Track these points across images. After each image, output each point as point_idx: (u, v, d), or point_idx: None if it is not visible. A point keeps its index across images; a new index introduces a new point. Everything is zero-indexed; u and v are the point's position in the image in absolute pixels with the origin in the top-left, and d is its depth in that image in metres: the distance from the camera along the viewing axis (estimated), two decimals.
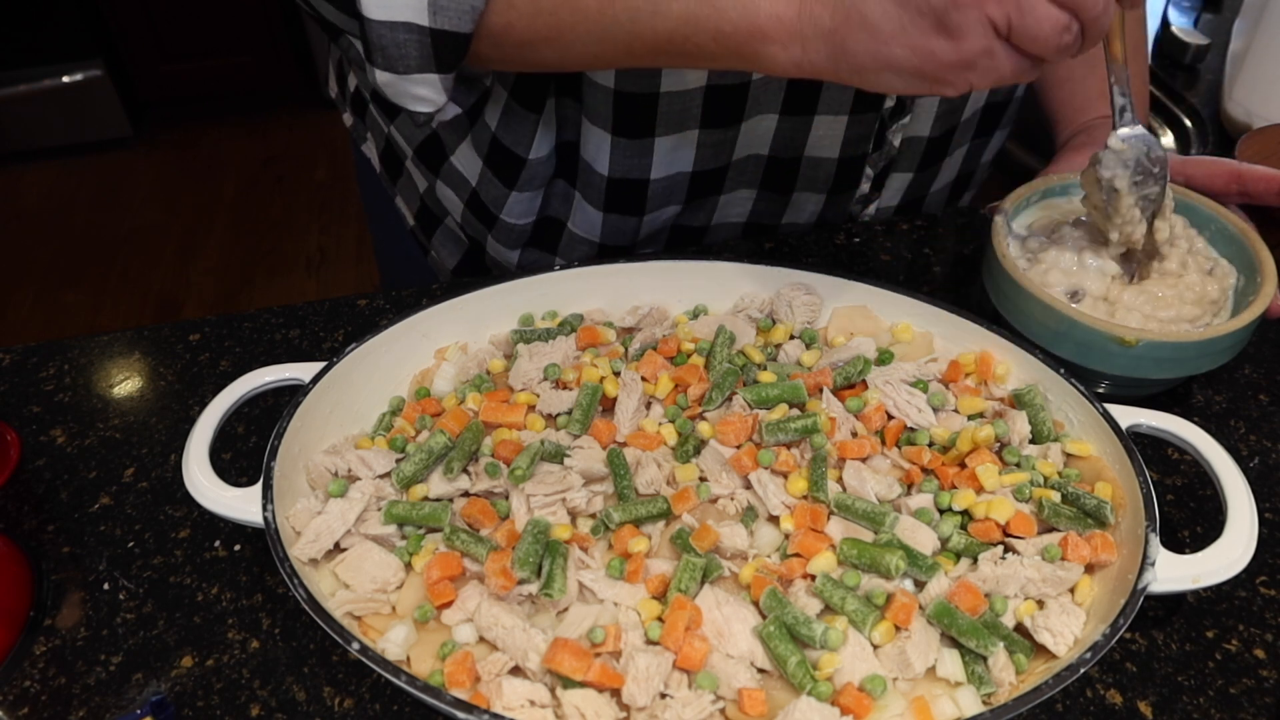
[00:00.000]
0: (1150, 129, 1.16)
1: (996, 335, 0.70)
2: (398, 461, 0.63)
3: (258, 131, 3.21)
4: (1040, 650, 0.55)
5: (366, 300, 0.84)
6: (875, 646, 0.54)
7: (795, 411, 0.66)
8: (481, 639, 0.55)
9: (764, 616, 0.55)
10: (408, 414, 0.69)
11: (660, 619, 0.55)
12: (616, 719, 0.51)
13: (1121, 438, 0.61)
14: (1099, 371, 0.70)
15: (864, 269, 0.88)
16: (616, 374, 0.69)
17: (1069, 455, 0.64)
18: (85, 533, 0.67)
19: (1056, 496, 0.60)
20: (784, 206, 0.91)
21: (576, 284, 0.76)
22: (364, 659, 0.51)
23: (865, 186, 0.91)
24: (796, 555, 0.58)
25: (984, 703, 0.53)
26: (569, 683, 0.52)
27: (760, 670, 0.54)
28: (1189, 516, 0.68)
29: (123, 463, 0.71)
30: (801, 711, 0.50)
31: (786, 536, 0.60)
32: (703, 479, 0.63)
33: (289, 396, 0.64)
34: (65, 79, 2.89)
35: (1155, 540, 0.56)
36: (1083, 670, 0.51)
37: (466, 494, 0.63)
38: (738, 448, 0.63)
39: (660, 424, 0.67)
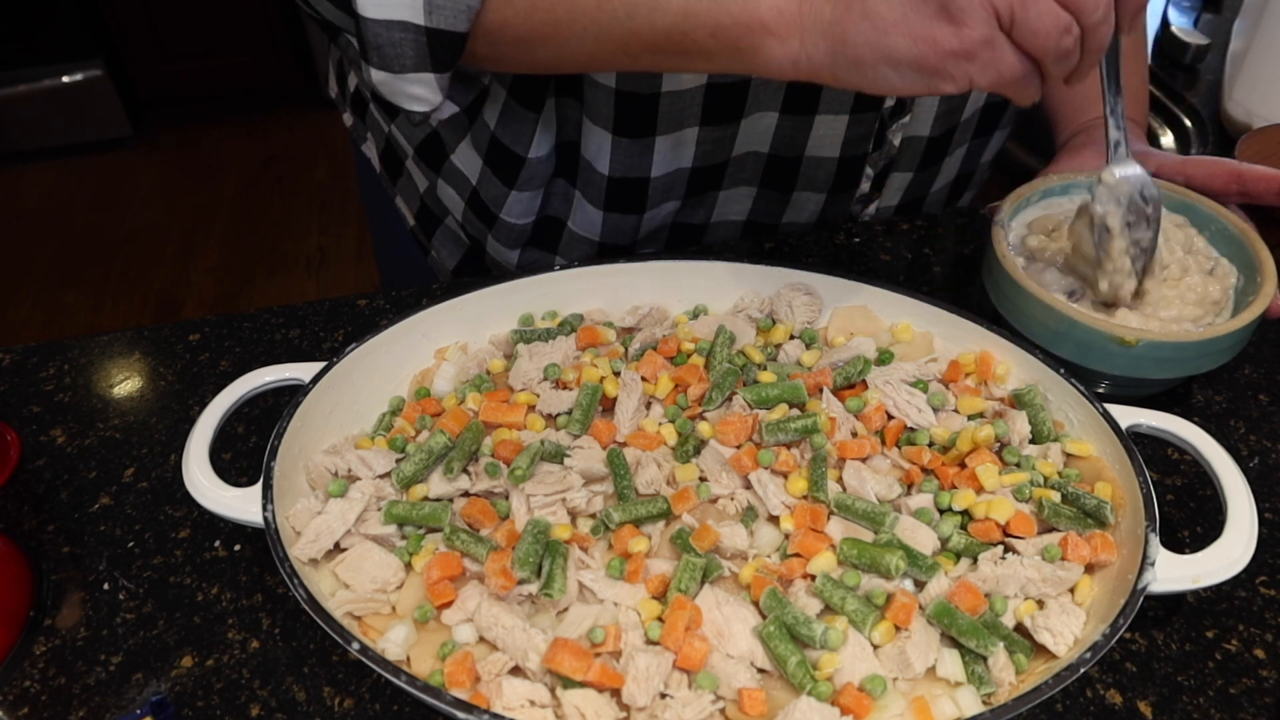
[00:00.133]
0: (1150, 130, 1.16)
1: (996, 335, 0.70)
2: (398, 461, 0.63)
3: (258, 131, 3.21)
4: (1040, 650, 0.55)
5: (366, 300, 0.84)
6: (875, 646, 0.54)
7: (795, 411, 0.66)
8: (481, 639, 0.55)
9: (764, 616, 0.55)
10: (408, 414, 0.69)
11: (660, 619, 0.55)
12: (616, 719, 0.51)
13: (1121, 438, 0.61)
14: (1099, 371, 0.70)
15: (864, 269, 0.88)
16: (616, 374, 0.69)
17: (1069, 455, 0.64)
18: (85, 533, 0.67)
19: (1056, 496, 0.60)
20: (784, 206, 0.91)
21: (576, 284, 0.76)
22: (364, 659, 0.51)
23: (865, 186, 0.91)
24: (796, 555, 0.58)
25: (984, 703, 0.53)
26: (569, 683, 0.52)
27: (760, 670, 0.54)
28: (1189, 516, 0.68)
29: (123, 463, 0.71)
30: (801, 711, 0.50)
31: (786, 536, 0.60)
32: (703, 479, 0.63)
33: (289, 396, 0.64)
34: (65, 79, 2.89)
35: (1155, 540, 0.56)
36: (1083, 670, 0.51)
37: (466, 494, 0.63)
38: (738, 448, 0.63)
39: (660, 424, 0.67)
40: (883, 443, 0.65)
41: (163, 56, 3.05)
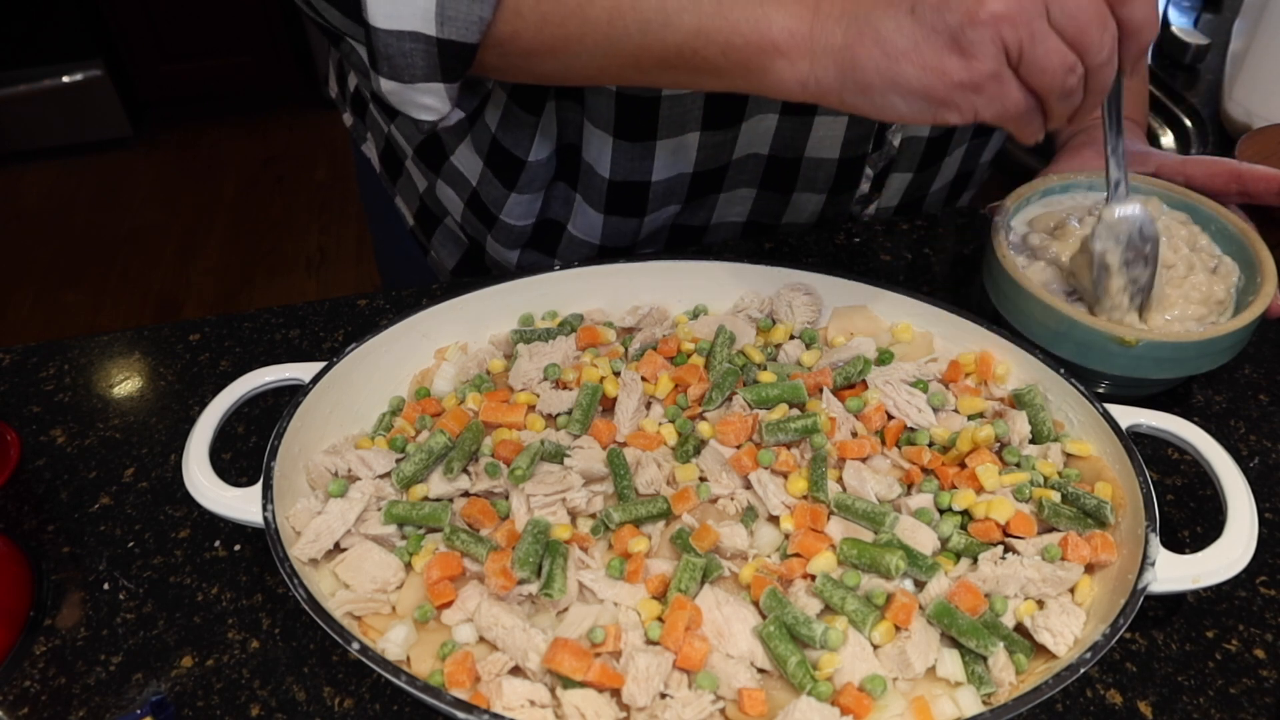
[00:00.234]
0: (1150, 130, 1.16)
1: (996, 335, 0.70)
2: (398, 461, 0.63)
3: (258, 131, 3.21)
4: (1040, 650, 0.55)
5: (366, 300, 0.84)
6: (875, 646, 0.54)
7: (795, 411, 0.66)
8: (481, 639, 0.55)
9: (764, 616, 0.55)
10: (408, 414, 0.69)
11: (660, 619, 0.55)
12: (616, 719, 0.51)
13: (1121, 438, 0.61)
14: (1099, 371, 0.70)
15: (864, 269, 0.88)
16: (616, 374, 0.69)
17: (1069, 455, 0.64)
18: (85, 533, 0.67)
19: (1056, 496, 0.60)
20: (784, 206, 0.91)
21: (576, 284, 0.76)
22: (364, 659, 0.51)
23: (865, 186, 0.91)
24: (796, 555, 0.58)
25: (984, 703, 0.53)
26: (569, 683, 0.52)
27: (760, 670, 0.54)
28: (1189, 516, 0.68)
29: (123, 463, 0.71)
30: (801, 711, 0.50)
31: (786, 536, 0.60)
32: (703, 479, 0.63)
33: (289, 396, 0.64)
34: (65, 79, 2.89)
35: (1155, 540, 0.56)
36: (1083, 670, 0.51)
37: (466, 494, 0.63)
38: (738, 448, 0.63)
39: (660, 424, 0.67)
40: (883, 443, 0.65)
41: (163, 56, 3.05)
